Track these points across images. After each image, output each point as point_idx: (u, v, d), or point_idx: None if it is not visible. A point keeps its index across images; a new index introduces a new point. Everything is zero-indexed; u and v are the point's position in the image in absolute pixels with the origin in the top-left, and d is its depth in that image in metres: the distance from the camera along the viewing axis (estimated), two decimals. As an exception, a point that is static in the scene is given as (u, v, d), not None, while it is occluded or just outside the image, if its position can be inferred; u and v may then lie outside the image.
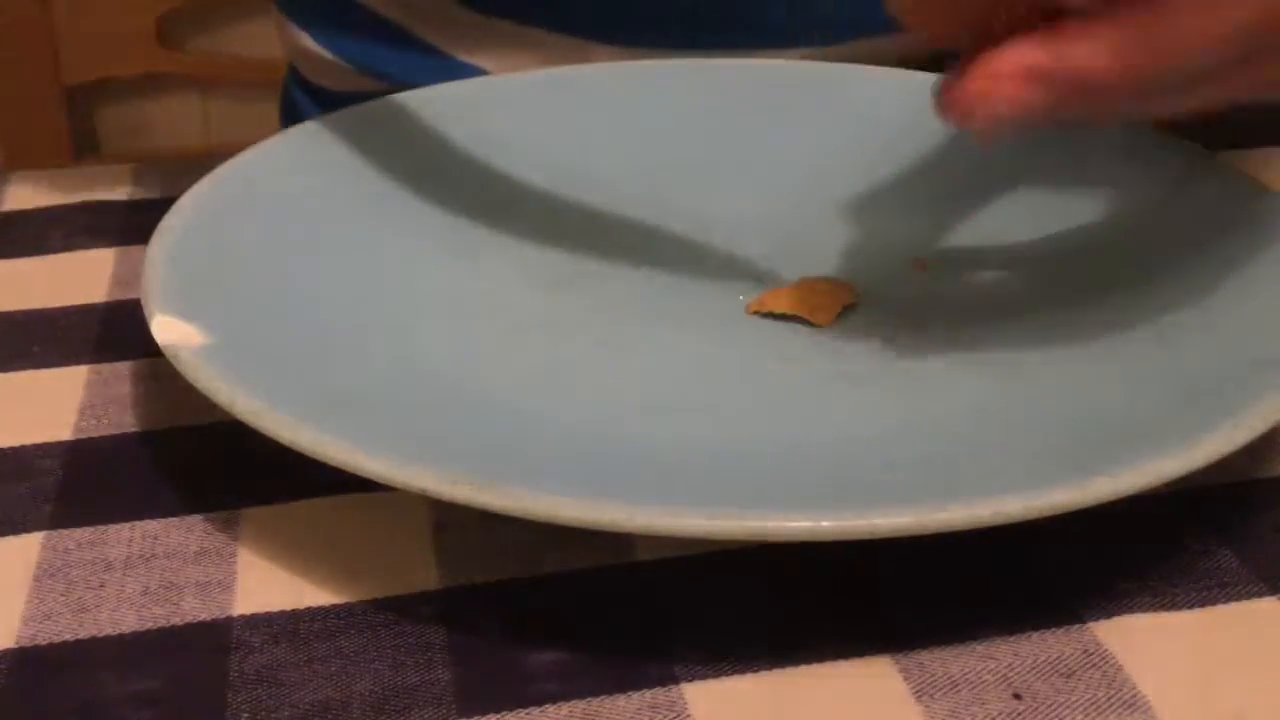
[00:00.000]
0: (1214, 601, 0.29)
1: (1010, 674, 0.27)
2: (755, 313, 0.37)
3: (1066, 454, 0.29)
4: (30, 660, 0.27)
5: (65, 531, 0.31)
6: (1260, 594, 0.29)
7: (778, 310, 0.37)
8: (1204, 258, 0.37)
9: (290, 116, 0.67)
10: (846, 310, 0.37)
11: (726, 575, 0.29)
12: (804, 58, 0.54)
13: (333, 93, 0.61)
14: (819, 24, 0.54)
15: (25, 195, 0.46)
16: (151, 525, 0.31)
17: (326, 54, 0.60)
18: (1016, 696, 0.26)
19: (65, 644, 0.28)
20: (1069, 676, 0.27)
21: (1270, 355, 0.31)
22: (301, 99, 0.65)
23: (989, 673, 0.27)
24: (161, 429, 0.34)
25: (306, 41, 0.61)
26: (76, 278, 0.41)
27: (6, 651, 0.28)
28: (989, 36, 0.30)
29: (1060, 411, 0.32)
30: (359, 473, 0.27)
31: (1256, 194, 0.38)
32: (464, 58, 0.56)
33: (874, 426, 0.32)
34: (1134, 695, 0.26)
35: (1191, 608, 0.28)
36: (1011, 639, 0.28)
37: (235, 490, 0.32)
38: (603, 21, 0.54)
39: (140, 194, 0.46)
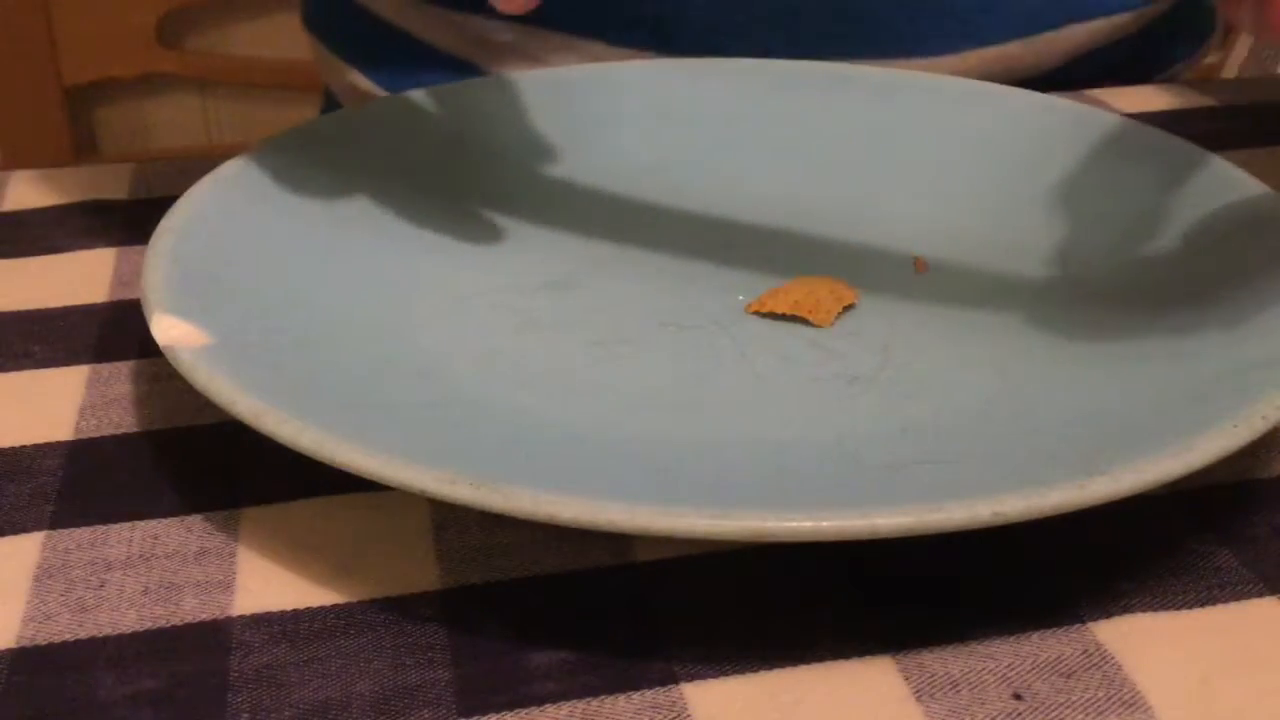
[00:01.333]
0: (1214, 601, 0.29)
1: (1010, 674, 0.27)
2: (755, 313, 0.37)
3: (1066, 454, 0.29)
4: (30, 660, 0.27)
5: (65, 531, 0.31)
6: (1260, 594, 0.29)
7: (778, 310, 0.37)
8: (1203, 258, 0.37)
9: None
10: (846, 310, 0.37)
11: (726, 575, 0.29)
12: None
13: None
14: (951, 36, 0.54)
15: (25, 195, 0.46)
16: (151, 525, 0.31)
17: (373, 87, 0.59)
18: (1016, 696, 0.26)
19: (65, 644, 0.28)
20: (1069, 676, 0.27)
21: (1270, 355, 0.31)
22: None
23: (989, 673, 0.27)
24: (161, 429, 0.34)
25: (363, 82, 0.60)
26: (76, 278, 0.41)
27: (6, 651, 0.28)
28: None
29: (1060, 411, 0.32)
30: (359, 473, 0.27)
31: (1256, 194, 0.38)
32: None
33: (874, 426, 0.32)
34: (1134, 695, 0.26)
35: (1191, 608, 0.28)
36: (1011, 639, 0.28)
37: (235, 490, 0.32)
38: (698, 36, 0.54)
39: (140, 194, 0.46)
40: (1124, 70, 0.58)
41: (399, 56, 0.58)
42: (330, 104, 0.66)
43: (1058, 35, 0.55)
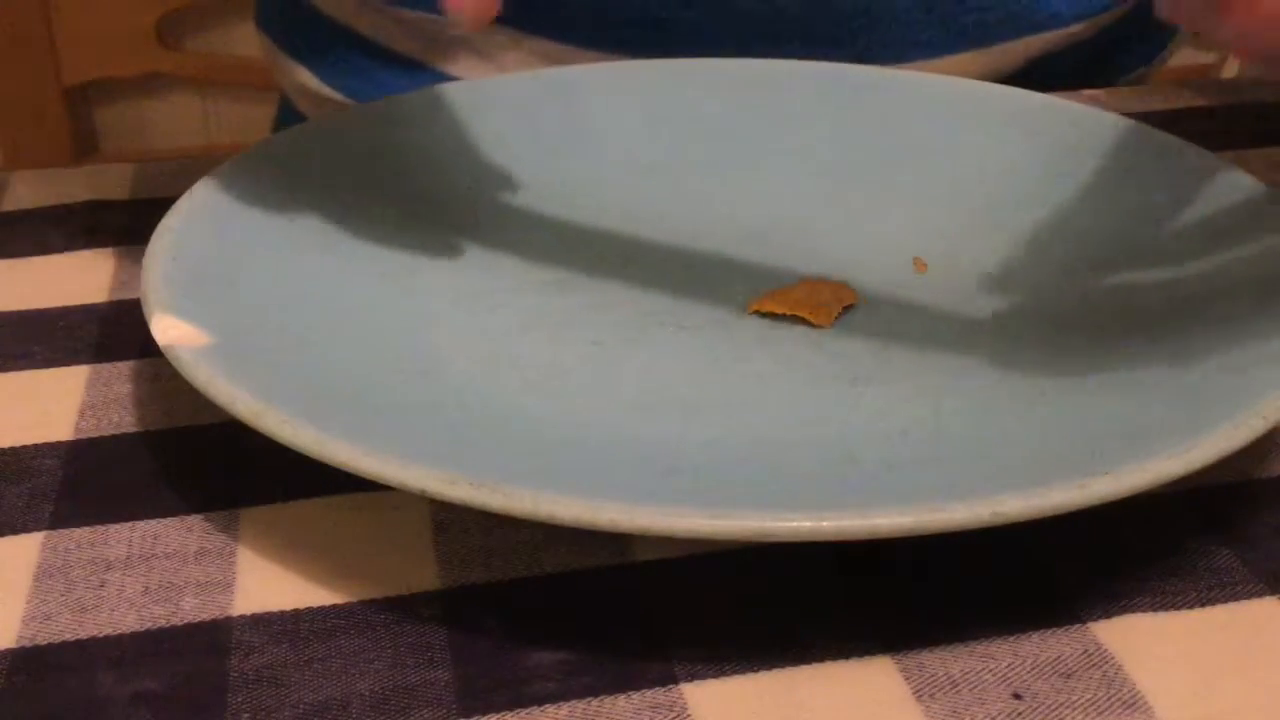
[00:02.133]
0: (1214, 601, 0.29)
1: (1010, 674, 0.27)
2: (756, 312, 0.37)
3: (1066, 454, 0.29)
4: (30, 660, 0.27)
5: (65, 531, 0.31)
6: (1260, 594, 0.29)
7: (778, 310, 0.37)
8: (1203, 257, 0.37)
9: None
10: (847, 310, 0.37)
11: (726, 575, 0.29)
12: None
13: None
14: (899, 45, 0.54)
15: (25, 195, 0.46)
16: (151, 525, 0.31)
17: (332, 93, 0.59)
18: (1016, 696, 0.26)
19: (65, 644, 0.28)
20: (1069, 676, 0.27)
21: (1270, 355, 0.31)
22: None
23: (989, 673, 0.27)
24: (161, 429, 0.34)
25: (312, 81, 0.60)
26: (76, 278, 0.41)
27: (6, 651, 0.28)
28: None
29: (1060, 411, 0.32)
30: (359, 473, 0.27)
31: (1257, 194, 0.38)
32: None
33: (874, 426, 0.32)
34: (1134, 695, 0.26)
35: (1191, 608, 0.28)
36: (1011, 639, 0.28)
37: (235, 490, 0.32)
38: (643, 35, 0.54)
39: (140, 194, 0.46)
40: (1078, 75, 0.58)
41: (347, 54, 0.58)
42: (285, 106, 0.66)
43: (1012, 47, 0.55)
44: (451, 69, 0.56)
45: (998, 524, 0.26)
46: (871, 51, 0.54)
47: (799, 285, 0.38)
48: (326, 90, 0.59)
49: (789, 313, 0.37)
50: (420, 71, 0.56)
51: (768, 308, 0.37)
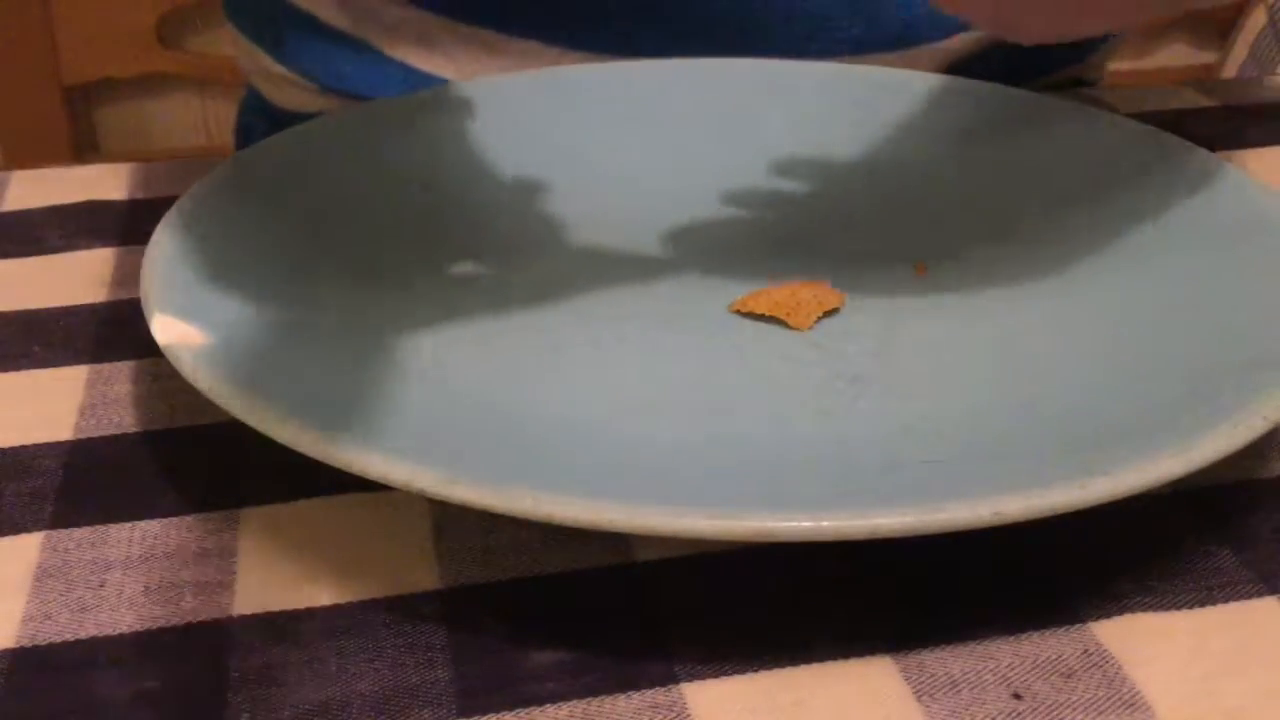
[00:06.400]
0: (1214, 601, 0.29)
1: (1010, 674, 0.27)
2: (736, 312, 0.37)
3: (1066, 454, 0.29)
4: (30, 660, 0.27)
5: (65, 531, 0.31)
6: (1260, 594, 0.29)
7: (757, 310, 0.37)
8: (1205, 257, 0.37)
9: (245, 143, 0.66)
10: (829, 315, 0.37)
11: (726, 575, 0.29)
12: None
13: (291, 114, 0.60)
14: (824, 41, 0.54)
15: (25, 195, 0.46)
16: (151, 525, 0.31)
17: (289, 74, 0.60)
18: (1016, 696, 0.26)
19: (65, 644, 0.28)
20: (1069, 676, 0.27)
21: (1270, 355, 0.31)
22: (256, 124, 0.64)
23: (989, 673, 0.27)
24: (161, 429, 0.34)
25: (269, 63, 0.61)
26: (76, 278, 0.41)
27: (6, 651, 0.28)
28: None
29: (1060, 411, 0.32)
30: (359, 473, 0.27)
31: (1257, 193, 0.38)
32: (427, 69, 0.55)
33: (874, 426, 0.32)
34: (1134, 695, 0.26)
35: (1191, 608, 0.28)
36: (1011, 639, 0.28)
37: (235, 490, 0.32)
38: (584, 28, 0.54)
39: (140, 194, 0.46)
40: (999, 77, 0.58)
41: (302, 35, 0.59)
42: (252, 96, 0.66)
43: (934, 48, 0.55)
44: (393, 52, 0.56)
45: (998, 524, 0.26)
46: (795, 45, 0.54)
47: (781, 286, 0.38)
48: (284, 71, 0.59)
49: (767, 313, 0.37)
50: (367, 52, 0.57)
51: (748, 308, 0.37)
